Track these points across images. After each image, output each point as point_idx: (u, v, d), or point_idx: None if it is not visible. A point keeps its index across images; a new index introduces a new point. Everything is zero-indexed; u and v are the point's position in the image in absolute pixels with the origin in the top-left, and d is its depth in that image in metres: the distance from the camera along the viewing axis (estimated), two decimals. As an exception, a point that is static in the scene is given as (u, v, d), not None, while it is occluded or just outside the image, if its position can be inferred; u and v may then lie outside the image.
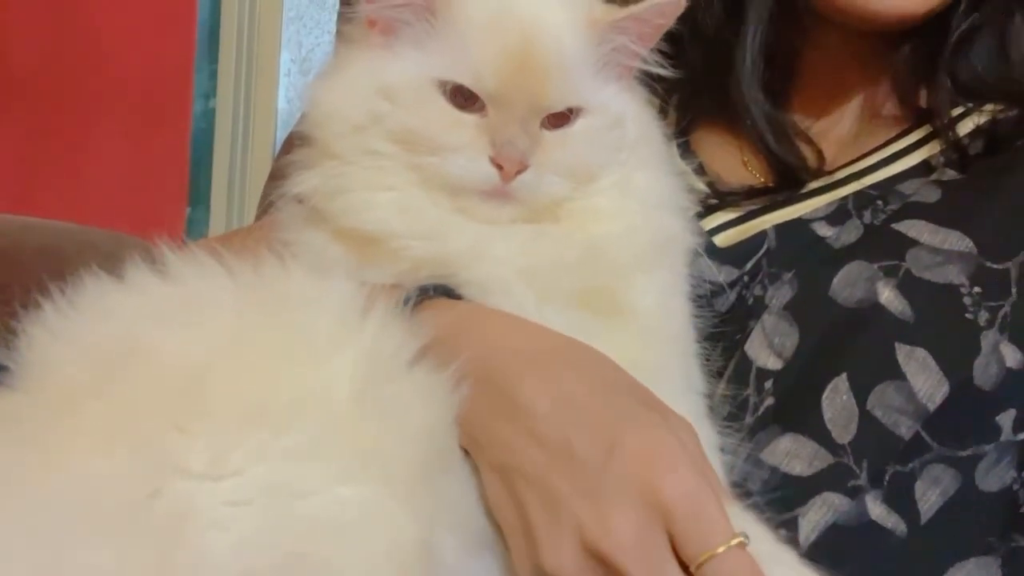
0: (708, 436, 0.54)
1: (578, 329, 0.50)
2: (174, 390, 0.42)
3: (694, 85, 0.72)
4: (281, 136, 1.30)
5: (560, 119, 0.52)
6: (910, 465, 0.56)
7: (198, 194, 1.83)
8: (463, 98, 0.51)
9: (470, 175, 0.50)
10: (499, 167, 0.50)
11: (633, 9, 0.53)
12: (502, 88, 0.50)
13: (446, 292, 0.51)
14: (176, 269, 0.48)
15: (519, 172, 0.50)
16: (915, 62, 0.67)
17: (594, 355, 0.48)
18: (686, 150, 0.72)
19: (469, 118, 0.51)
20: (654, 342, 0.53)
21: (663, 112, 0.68)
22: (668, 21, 0.54)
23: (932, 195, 0.62)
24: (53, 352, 0.45)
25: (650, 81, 0.58)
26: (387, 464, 0.43)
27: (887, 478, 0.56)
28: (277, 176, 0.62)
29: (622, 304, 0.52)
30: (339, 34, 0.60)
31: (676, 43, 0.70)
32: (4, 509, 0.41)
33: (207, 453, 0.41)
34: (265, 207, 1.01)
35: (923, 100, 0.67)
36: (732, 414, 0.58)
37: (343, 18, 0.73)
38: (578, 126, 0.53)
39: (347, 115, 0.52)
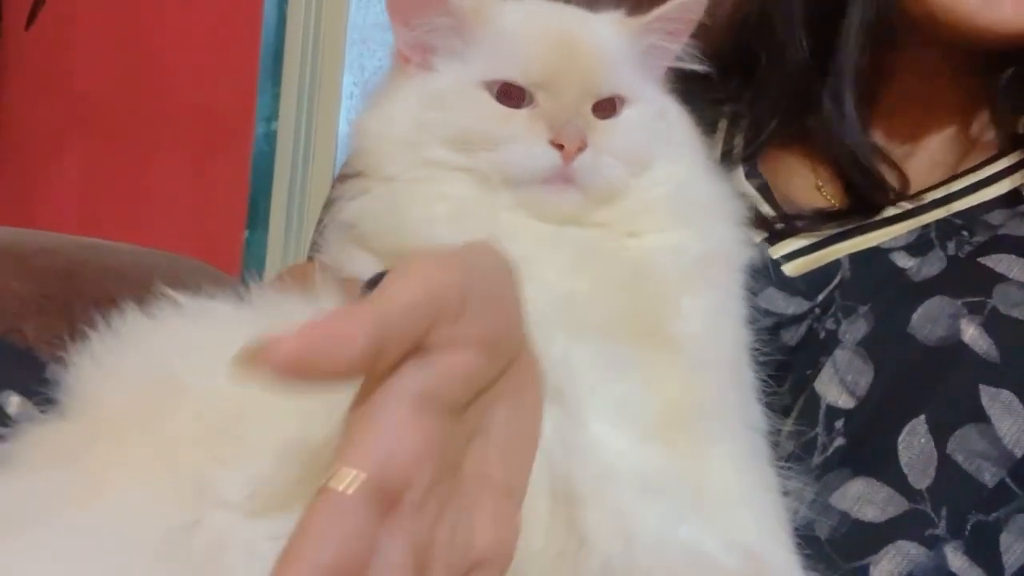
0: (767, 478, 0.50)
1: (615, 363, 0.46)
2: (214, 423, 0.41)
3: (764, 108, 0.70)
4: (342, 159, 1.30)
5: (607, 109, 0.52)
6: (994, 515, 0.52)
7: (257, 217, 1.84)
8: (509, 97, 0.50)
9: (531, 161, 0.49)
10: (559, 147, 0.49)
11: (660, 10, 0.53)
12: (550, 76, 0.50)
13: None
14: (194, 309, 0.47)
15: (579, 151, 0.49)
16: (1017, 86, 0.64)
17: None
18: (754, 173, 0.70)
19: (521, 112, 0.50)
20: (704, 373, 0.49)
21: (731, 134, 0.66)
22: (696, 16, 0.54)
23: (1022, 227, 0.58)
24: (98, 382, 0.45)
25: (713, 103, 0.57)
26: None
27: (969, 528, 0.52)
28: (331, 204, 0.61)
29: (666, 331, 0.49)
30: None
31: (745, 64, 0.68)
32: (47, 535, 0.40)
33: (247, 486, 0.40)
34: (318, 233, 1.01)
35: (1022, 127, 0.64)
36: (797, 454, 0.55)
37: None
38: (625, 115, 0.52)
39: (396, 133, 0.51)
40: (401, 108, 0.52)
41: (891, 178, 0.65)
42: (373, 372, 0.31)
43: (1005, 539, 0.52)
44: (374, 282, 0.44)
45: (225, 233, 1.84)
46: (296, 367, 0.29)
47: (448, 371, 0.31)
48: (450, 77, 0.51)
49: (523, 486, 0.35)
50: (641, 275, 0.50)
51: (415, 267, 0.32)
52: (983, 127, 0.66)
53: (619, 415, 0.44)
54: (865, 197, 0.65)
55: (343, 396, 0.42)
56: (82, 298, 0.86)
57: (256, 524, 0.39)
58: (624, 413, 0.44)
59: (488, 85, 0.50)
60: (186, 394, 0.43)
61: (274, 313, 0.46)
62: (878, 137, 0.69)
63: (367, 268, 0.50)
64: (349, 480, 0.30)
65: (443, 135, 0.50)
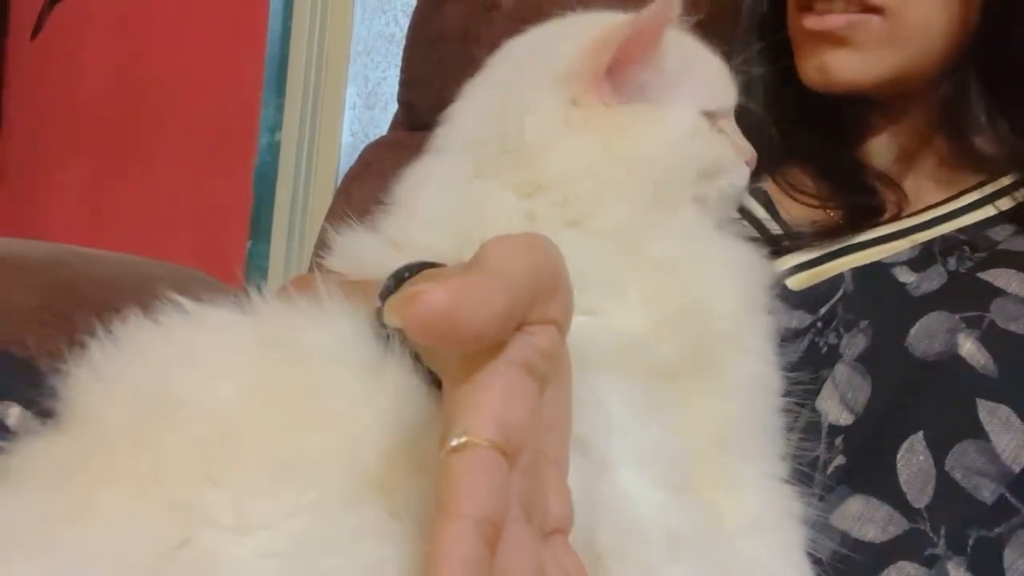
0: (788, 505, 0.48)
1: (648, 404, 0.43)
2: (206, 440, 0.41)
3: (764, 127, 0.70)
4: (344, 169, 1.30)
5: None
6: (996, 530, 0.52)
7: (259, 228, 1.84)
8: (711, 120, 0.52)
9: (742, 181, 0.53)
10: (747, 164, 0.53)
11: None
12: (731, 99, 0.53)
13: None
14: (199, 316, 0.46)
15: None
16: (959, 115, 0.65)
17: None
18: (757, 189, 0.70)
19: (722, 136, 0.53)
20: (742, 396, 0.47)
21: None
22: None
23: (1022, 243, 0.58)
24: (94, 394, 0.45)
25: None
26: (416, 523, 0.40)
27: (971, 544, 0.52)
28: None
29: (710, 356, 0.46)
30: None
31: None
32: (37, 554, 0.39)
33: (237, 505, 0.39)
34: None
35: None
36: (804, 473, 0.54)
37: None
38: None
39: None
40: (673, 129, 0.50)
41: (887, 194, 0.66)
42: (484, 345, 0.31)
43: (1008, 555, 0.51)
44: (400, 275, 0.43)
45: (228, 243, 1.84)
46: (440, 321, 0.29)
47: (543, 346, 0.32)
48: (684, 110, 0.50)
49: (566, 464, 0.36)
50: (694, 309, 0.47)
51: (511, 246, 0.32)
52: (957, 152, 0.66)
53: (649, 462, 0.42)
54: (861, 211, 0.65)
55: (336, 409, 0.42)
56: (83, 309, 0.86)
57: (246, 542, 0.39)
58: (655, 459, 0.42)
59: (705, 115, 0.51)
60: (182, 408, 0.42)
61: (277, 320, 0.46)
62: (877, 152, 0.70)
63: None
64: (480, 440, 0.30)
65: (701, 165, 0.50)
